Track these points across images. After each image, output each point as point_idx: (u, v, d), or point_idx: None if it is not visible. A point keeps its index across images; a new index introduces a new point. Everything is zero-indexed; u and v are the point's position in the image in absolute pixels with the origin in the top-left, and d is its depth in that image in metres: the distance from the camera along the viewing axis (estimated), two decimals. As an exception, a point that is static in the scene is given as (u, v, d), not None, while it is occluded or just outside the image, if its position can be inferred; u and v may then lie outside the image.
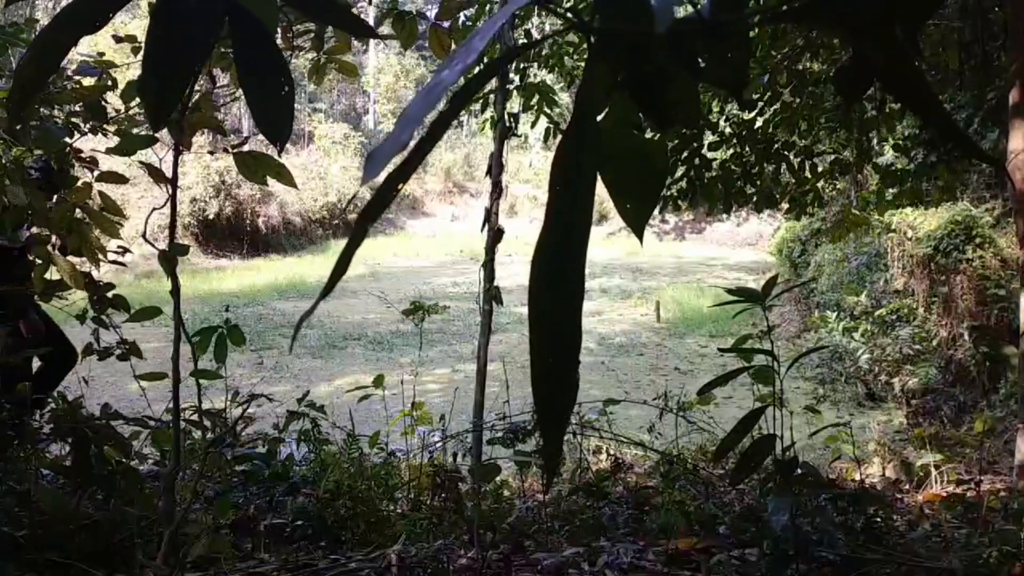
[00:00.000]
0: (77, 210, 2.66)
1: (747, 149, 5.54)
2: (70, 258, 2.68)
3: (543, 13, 5.54)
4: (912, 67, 0.67)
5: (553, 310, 0.64)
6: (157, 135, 2.16)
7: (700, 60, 0.71)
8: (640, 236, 0.84)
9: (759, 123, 5.54)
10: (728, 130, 5.64)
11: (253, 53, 0.93)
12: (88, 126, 2.61)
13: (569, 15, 0.75)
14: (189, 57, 0.91)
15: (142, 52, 0.90)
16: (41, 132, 2.44)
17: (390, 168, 0.62)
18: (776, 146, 5.51)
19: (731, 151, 5.62)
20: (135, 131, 2.48)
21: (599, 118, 0.73)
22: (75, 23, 0.88)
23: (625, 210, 0.83)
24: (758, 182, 5.61)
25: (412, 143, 0.62)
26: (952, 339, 8.15)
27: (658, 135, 0.83)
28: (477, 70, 0.66)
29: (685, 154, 5.41)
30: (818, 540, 2.10)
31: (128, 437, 2.51)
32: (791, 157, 5.51)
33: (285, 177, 2.07)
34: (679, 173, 5.48)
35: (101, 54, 2.70)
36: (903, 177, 6.07)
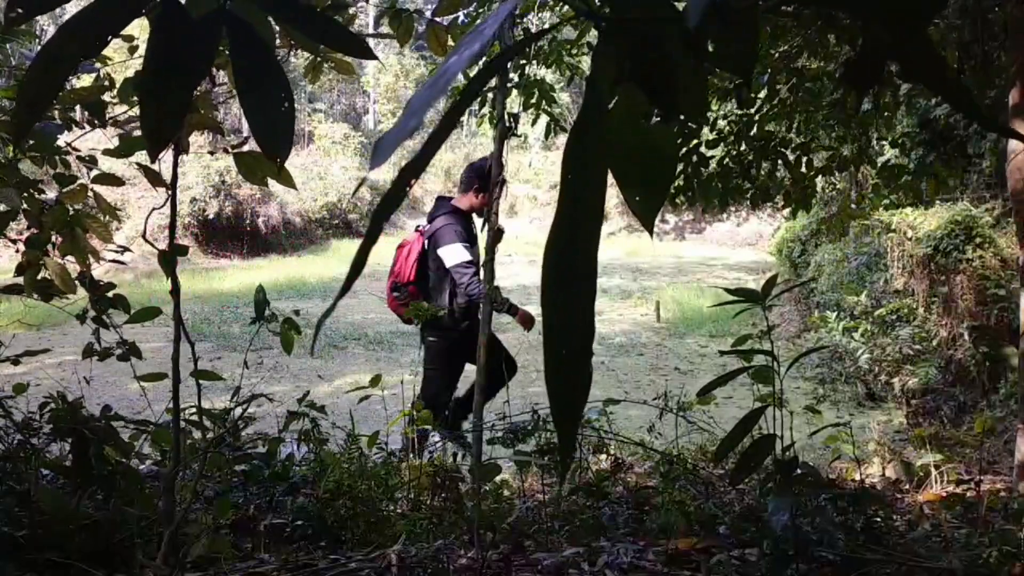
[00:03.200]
0: (71, 211, 2.66)
1: (744, 146, 5.55)
2: (66, 259, 2.69)
3: (541, 10, 5.54)
4: (928, 46, 0.67)
5: (566, 301, 0.64)
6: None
7: (708, 45, 0.70)
8: (650, 229, 0.82)
9: (757, 119, 5.55)
10: (726, 128, 5.65)
11: (253, 69, 0.92)
12: (87, 125, 2.61)
13: (577, 2, 0.74)
14: (189, 80, 0.90)
15: (140, 77, 0.90)
16: (35, 132, 2.44)
17: (386, 175, 0.62)
18: (773, 143, 5.52)
19: (728, 149, 5.63)
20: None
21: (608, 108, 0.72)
22: (77, 41, 0.87)
23: (634, 202, 0.81)
24: (756, 179, 5.61)
25: (420, 140, 0.61)
26: (952, 339, 8.15)
27: (666, 124, 0.82)
28: (480, 68, 0.66)
29: (683, 152, 5.42)
30: (818, 540, 2.10)
31: (128, 438, 2.52)
32: (787, 154, 5.52)
33: (285, 178, 2.07)
34: (678, 169, 5.49)
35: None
36: (900, 172, 6.07)
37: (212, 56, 0.90)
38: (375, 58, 1.20)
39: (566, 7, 4.90)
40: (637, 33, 0.66)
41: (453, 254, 4.54)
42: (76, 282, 2.68)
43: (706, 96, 0.80)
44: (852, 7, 0.69)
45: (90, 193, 2.72)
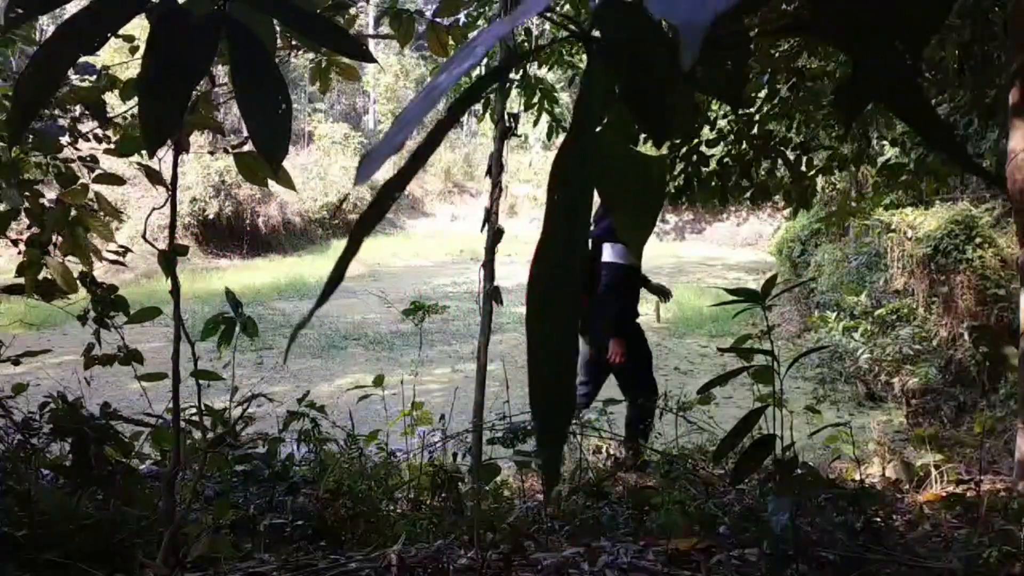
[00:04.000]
0: (72, 211, 2.67)
1: (744, 145, 5.56)
2: (67, 259, 2.69)
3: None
4: (912, 83, 0.67)
5: (551, 322, 0.64)
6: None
7: (697, 69, 0.70)
8: (639, 256, 0.83)
9: (756, 118, 5.56)
10: (725, 127, 5.65)
11: (251, 71, 0.92)
12: (90, 132, 2.62)
13: (569, 25, 0.74)
14: (188, 80, 0.90)
15: (139, 76, 0.90)
16: (37, 134, 2.44)
17: (388, 174, 0.62)
18: (773, 141, 5.53)
19: (728, 148, 5.64)
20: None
21: (597, 130, 0.72)
22: (75, 40, 0.87)
23: (623, 228, 0.82)
24: (755, 178, 5.63)
25: (410, 147, 0.61)
26: (952, 339, 8.15)
27: (655, 147, 0.83)
28: (478, 75, 0.66)
29: (683, 151, 5.43)
30: (818, 540, 2.10)
31: (128, 437, 2.52)
32: (787, 152, 5.53)
33: (285, 179, 2.07)
34: (677, 170, 5.51)
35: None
36: (900, 170, 6.08)
37: (211, 57, 0.90)
38: (375, 61, 1.20)
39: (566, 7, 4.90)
40: (627, 55, 0.66)
41: (614, 252, 4.63)
42: (77, 282, 2.68)
43: (695, 119, 0.80)
44: (844, 39, 0.69)
45: (91, 193, 2.72)
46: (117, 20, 0.88)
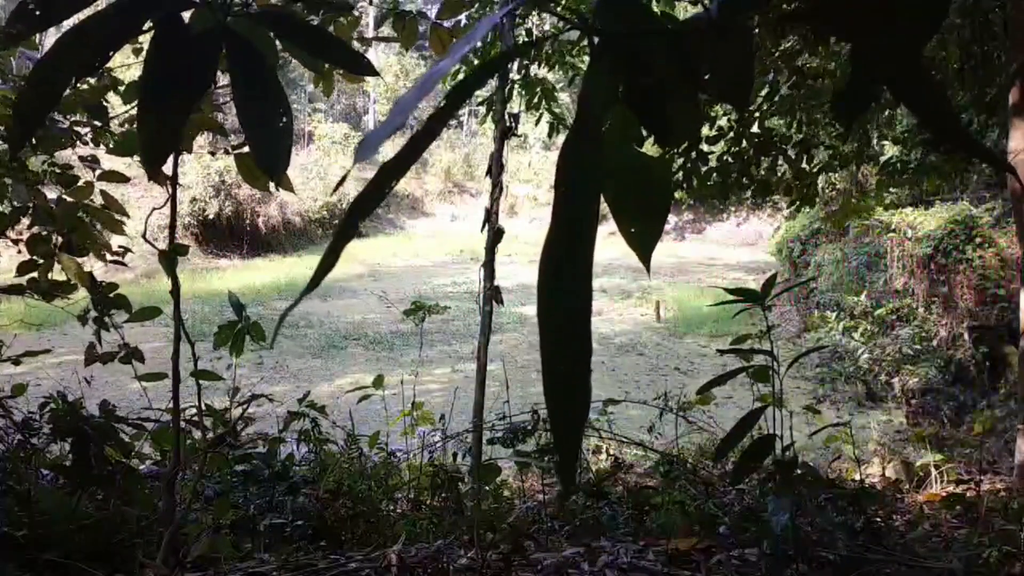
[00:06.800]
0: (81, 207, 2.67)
1: (744, 143, 5.55)
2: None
3: (542, 11, 5.55)
4: (919, 70, 0.66)
5: (562, 319, 0.63)
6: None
7: (702, 70, 0.70)
8: (647, 262, 0.79)
9: (757, 116, 5.56)
10: (725, 125, 5.65)
11: (252, 85, 0.92)
12: (90, 134, 2.62)
13: (571, 16, 0.74)
14: (188, 95, 0.90)
15: (140, 88, 0.89)
16: (42, 133, 2.44)
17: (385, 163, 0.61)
18: (774, 139, 5.53)
19: (728, 146, 5.63)
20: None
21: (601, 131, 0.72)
22: (77, 55, 0.86)
23: (630, 235, 0.79)
24: (754, 176, 5.62)
25: (408, 136, 0.61)
26: (952, 339, 8.16)
27: (660, 149, 0.81)
28: (472, 72, 0.66)
29: (683, 147, 5.43)
30: (818, 540, 2.10)
31: (129, 437, 2.52)
32: (788, 150, 5.53)
33: (284, 182, 2.06)
34: (676, 164, 5.51)
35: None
36: (903, 168, 6.08)
37: (211, 74, 0.90)
38: (377, 74, 1.20)
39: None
40: (629, 55, 0.66)
41: None
42: (79, 280, 2.68)
43: (700, 121, 0.79)
44: (847, 31, 0.68)
45: (96, 191, 2.72)
46: (117, 37, 0.88)
